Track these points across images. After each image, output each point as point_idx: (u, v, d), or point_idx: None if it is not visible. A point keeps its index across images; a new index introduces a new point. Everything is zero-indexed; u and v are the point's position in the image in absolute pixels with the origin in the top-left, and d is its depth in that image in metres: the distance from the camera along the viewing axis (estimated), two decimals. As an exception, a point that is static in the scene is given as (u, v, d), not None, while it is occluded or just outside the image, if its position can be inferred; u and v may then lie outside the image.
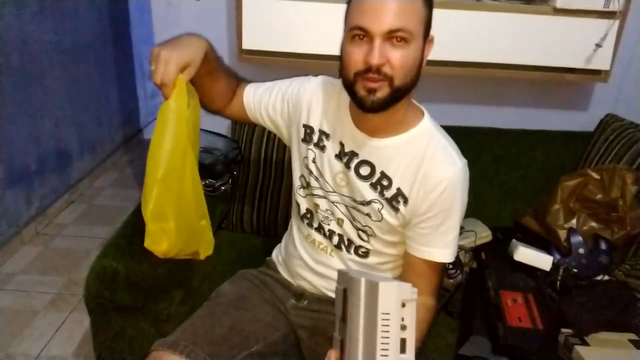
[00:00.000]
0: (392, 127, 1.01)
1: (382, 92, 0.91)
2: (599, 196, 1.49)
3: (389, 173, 1.01)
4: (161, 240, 0.98)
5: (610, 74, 1.68)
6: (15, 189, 2.29)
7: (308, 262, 1.16)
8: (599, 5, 1.56)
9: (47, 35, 2.44)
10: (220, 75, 1.11)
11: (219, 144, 1.73)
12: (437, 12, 1.62)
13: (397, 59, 0.89)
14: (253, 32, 1.66)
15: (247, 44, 1.68)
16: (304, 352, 1.17)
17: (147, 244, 0.98)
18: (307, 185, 1.12)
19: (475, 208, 1.69)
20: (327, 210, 1.10)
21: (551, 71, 1.71)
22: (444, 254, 1.02)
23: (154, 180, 0.93)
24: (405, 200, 1.00)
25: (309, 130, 1.10)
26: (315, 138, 1.09)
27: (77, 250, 2.32)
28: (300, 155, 1.13)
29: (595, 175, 1.52)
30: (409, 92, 0.95)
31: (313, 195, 1.11)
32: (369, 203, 1.03)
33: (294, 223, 1.21)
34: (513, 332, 1.18)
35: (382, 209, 1.03)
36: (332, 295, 0.86)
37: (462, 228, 1.59)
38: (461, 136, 1.73)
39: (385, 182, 1.02)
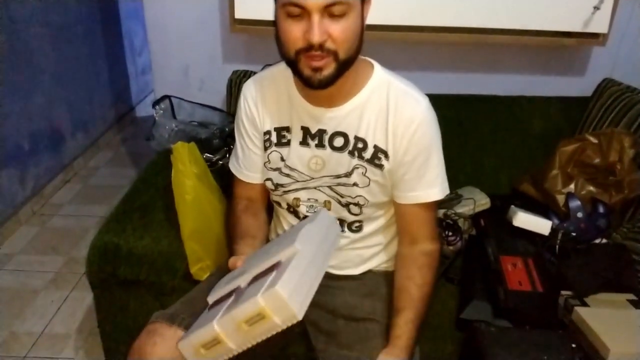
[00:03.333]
0: (347, 91, 0.98)
1: (329, 68, 0.88)
2: (596, 160, 1.49)
3: (361, 135, 1.00)
4: (204, 273, 1.23)
5: (608, 37, 1.66)
6: (10, 170, 2.27)
7: None
8: (598, -35, 1.54)
9: (34, 13, 2.38)
10: None
11: (215, 118, 1.72)
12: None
13: (339, 33, 0.85)
14: (245, 1, 1.63)
15: (240, 14, 1.65)
16: (306, 324, 1.17)
17: (196, 278, 1.23)
18: (276, 187, 1.08)
19: (473, 176, 1.71)
20: (309, 199, 1.07)
21: (549, 36, 1.70)
22: (433, 192, 1.01)
23: (183, 236, 1.21)
24: (385, 154, 0.99)
25: (267, 135, 1.07)
26: (274, 139, 1.06)
27: (75, 229, 2.32)
28: (261, 163, 1.10)
29: (593, 140, 1.52)
30: (354, 61, 0.92)
31: (288, 192, 1.08)
32: (352, 172, 1.02)
33: (280, 213, 1.17)
34: (513, 295, 1.19)
35: (366, 172, 1.01)
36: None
37: (460, 196, 1.61)
38: (458, 104, 1.76)
39: (360, 145, 1.00)
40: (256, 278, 0.82)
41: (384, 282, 1.13)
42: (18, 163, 2.33)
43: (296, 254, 0.82)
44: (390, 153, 0.99)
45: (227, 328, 0.76)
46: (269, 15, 0.93)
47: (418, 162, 0.99)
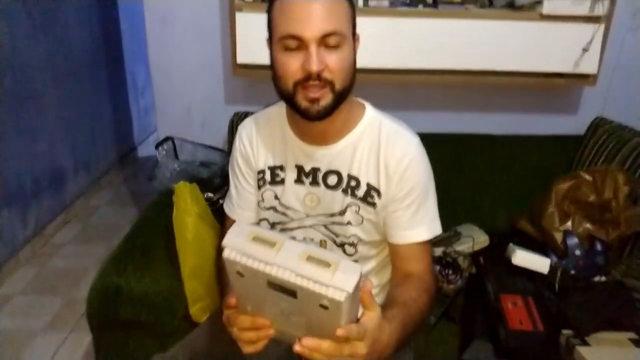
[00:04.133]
0: (339, 129, 1.00)
1: (326, 99, 0.90)
2: (592, 197, 1.51)
3: (354, 173, 1.01)
4: (204, 313, 1.25)
5: (597, 77, 1.72)
6: (11, 209, 2.28)
7: None
8: (584, 11, 1.60)
9: (39, 55, 2.45)
10: None
11: (216, 158, 1.75)
12: (427, 22, 1.68)
13: (335, 63, 0.88)
14: (247, 46, 1.69)
15: (241, 59, 1.71)
16: None
17: (195, 319, 1.25)
18: (273, 226, 1.09)
19: (471, 214, 1.73)
20: (305, 239, 1.07)
21: (540, 77, 1.75)
22: (425, 231, 1.01)
23: (184, 275, 1.24)
24: (378, 192, 1.00)
25: (261, 174, 1.08)
26: (268, 177, 1.07)
27: (75, 270, 2.31)
28: (255, 202, 1.11)
29: (588, 177, 1.54)
30: (349, 93, 0.95)
31: (284, 231, 1.08)
32: (345, 211, 1.02)
33: None
34: (514, 334, 1.19)
35: (359, 210, 1.02)
36: None
37: (459, 234, 1.63)
38: (455, 143, 1.79)
39: (353, 183, 1.01)
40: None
41: None
42: (20, 203, 2.35)
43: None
44: (382, 190, 1.00)
45: (291, 247, 0.68)
46: (268, 60, 0.97)
47: (409, 199, 0.99)
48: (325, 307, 0.66)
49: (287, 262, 0.66)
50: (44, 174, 2.54)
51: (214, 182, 1.63)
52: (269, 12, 0.93)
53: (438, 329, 1.33)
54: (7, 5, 2.18)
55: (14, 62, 2.26)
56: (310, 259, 0.67)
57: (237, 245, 0.68)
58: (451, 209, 1.71)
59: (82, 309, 2.02)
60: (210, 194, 1.59)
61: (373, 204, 1.01)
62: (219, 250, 1.21)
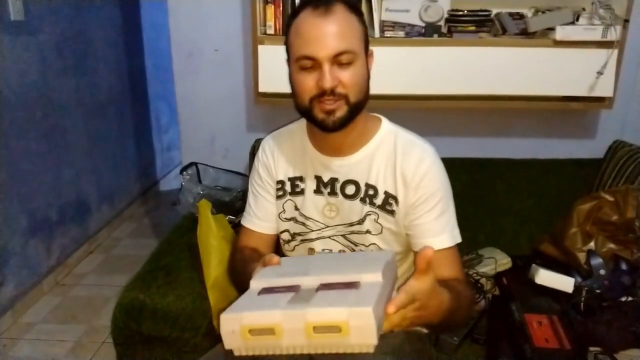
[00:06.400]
0: (356, 141, 1.04)
1: (341, 111, 0.95)
2: (614, 217, 1.50)
3: (371, 182, 1.04)
4: None
5: (614, 100, 1.73)
6: (37, 240, 2.34)
7: None
8: (597, 37, 1.64)
9: (68, 92, 2.56)
10: None
11: (237, 182, 1.79)
12: (442, 50, 1.73)
13: (348, 79, 0.93)
14: (268, 77, 1.76)
15: (262, 88, 1.78)
16: None
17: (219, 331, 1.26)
18: (293, 237, 1.12)
19: (493, 237, 1.72)
20: (324, 250, 1.09)
21: (557, 100, 1.77)
22: (450, 237, 1.01)
23: (207, 285, 1.25)
24: (396, 200, 1.02)
25: (280, 184, 1.12)
26: (288, 188, 1.11)
27: (96, 299, 2.33)
28: (276, 213, 1.13)
29: (609, 198, 1.53)
30: (364, 106, 1.00)
31: (304, 241, 1.11)
32: (364, 219, 1.04)
33: None
34: (540, 353, 1.16)
35: (378, 218, 1.04)
36: None
37: (481, 256, 1.62)
38: (474, 168, 1.81)
39: (371, 192, 1.04)
40: (327, 286, 0.74)
41: (406, 339, 1.12)
42: (45, 233, 2.40)
43: (378, 283, 0.73)
44: (400, 198, 1.02)
45: (290, 324, 0.66)
46: (288, 88, 1.02)
47: (430, 205, 1.01)
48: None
49: (296, 344, 0.67)
50: (70, 205, 2.61)
51: (235, 205, 1.66)
52: (287, 34, 0.99)
53: (462, 350, 1.31)
54: (40, 44, 2.31)
55: (45, 98, 2.37)
56: (317, 329, 0.65)
57: (236, 345, 0.69)
58: (472, 234, 1.72)
59: (103, 337, 2.04)
60: (232, 217, 1.61)
61: (392, 212, 1.03)
62: (233, 251, 1.22)
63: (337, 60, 0.93)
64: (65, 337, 2.05)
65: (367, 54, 1.00)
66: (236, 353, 0.69)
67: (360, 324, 0.64)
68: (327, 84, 0.92)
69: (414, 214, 1.02)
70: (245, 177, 1.78)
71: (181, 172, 1.74)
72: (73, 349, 1.99)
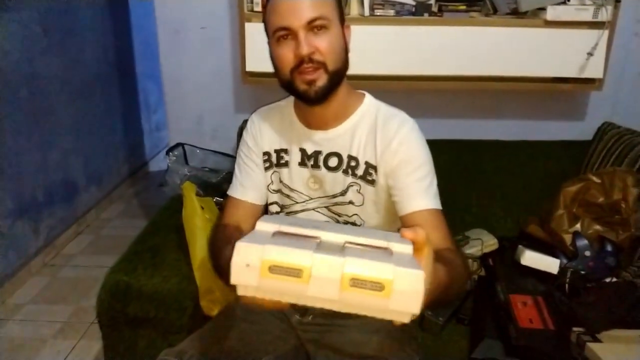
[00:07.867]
0: (340, 114, 1.06)
1: (321, 80, 0.96)
2: (601, 199, 1.51)
3: (353, 153, 1.06)
4: (214, 306, 1.25)
5: (604, 82, 1.72)
6: (24, 220, 2.31)
7: None
8: (588, 17, 1.62)
9: (54, 71, 2.51)
10: None
11: (225, 164, 1.77)
12: (433, 29, 1.71)
13: (324, 45, 0.95)
14: (255, 55, 1.73)
15: (250, 67, 1.75)
16: None
17: (205, 312, 1.26)
18: (281, 209, 1.14)
19: (480, 219, 1.73)
20: None
21: (547, 82, 1.76)
22: (435, 202, 1.00)
23: (194, 266, 1.26)
24: (375, 169, 1.04)
25: (266, 156, 1.14)
26: (274, 159, 1.13)
27: (85, 280, 2.33)
28: (265, 185, 1.14)
29: (596, 179, 1.54)
30: (343, 75, 1.01)
31: (290, 214, 1.13)
32: (347, 190, 1.07)
33: None
34: (525, 332, 1.18)
35: (360, 189, 1.06)
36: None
37: (467, 237, 1.62)
38: (462, 149, 1.80)
39: (353, 163, 1.06)
40: (356, 245, 0.64)
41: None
42: (32, 214, 2.38)
43: (410, 255, 0.64)
44: (379, 166, 1.04)
45: (323, 270, 0.56)
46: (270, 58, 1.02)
47: (407, 169, 1.00)
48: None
49: (324, 296, 0.56)
50: (57, 186, 2.58)
51: (223, 187, 1.65)
52: (264, 15, 1.02)
53: (447, 330, 1.32)
54: (25, 22, 2.26)
55: (30, 77, 2.32)
56: (355, 282, 0.56)
57: (247, 281, 0.58)
58: (460, 215, 1.73)
59: (91, 317, 2.03)
60: (219, 199, 1.60)
61: (372, 182, 1.05)
62: (214, 227, 1.20)
63: (312, 27, 0.95)
64: (53, 318, 2.05)
65: (344, 25, 1.02)
66: (240, 292, 0.58)
67: (406, 288, 0.56)
68: (304, 50, 0.93)
69: (394, 179, 1.02)
70: (233, 158, 1.76)
71: (167, 153, 1.72)
72: (62, 329, 1.99)
